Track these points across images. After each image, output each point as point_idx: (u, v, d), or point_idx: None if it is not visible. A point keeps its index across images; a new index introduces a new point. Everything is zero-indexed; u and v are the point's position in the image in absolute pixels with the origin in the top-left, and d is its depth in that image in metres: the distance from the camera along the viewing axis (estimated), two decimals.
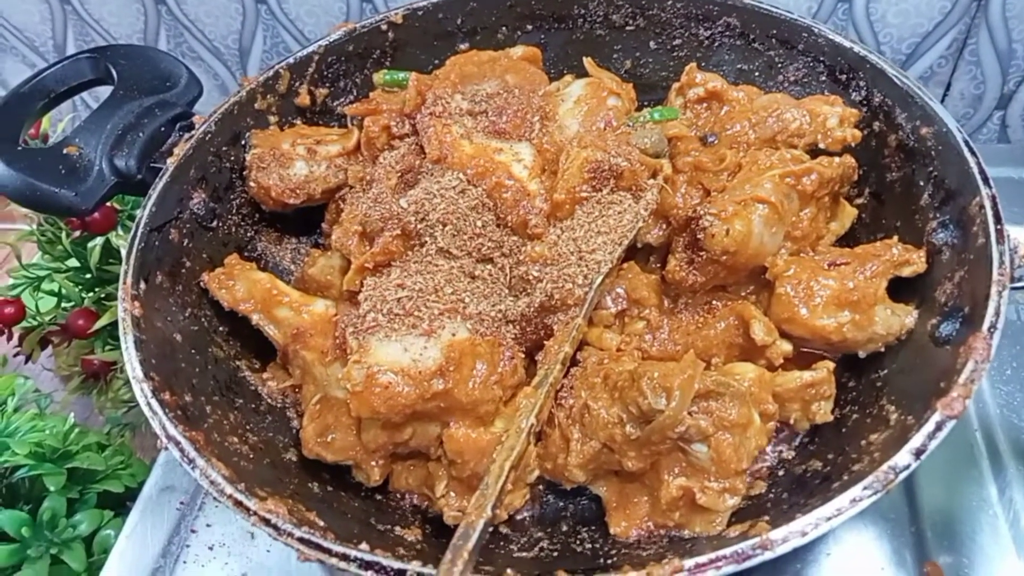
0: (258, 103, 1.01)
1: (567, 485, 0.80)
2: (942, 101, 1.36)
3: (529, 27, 1.11)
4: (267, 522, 0.64)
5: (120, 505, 1.11)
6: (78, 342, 1.28)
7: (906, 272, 0.82)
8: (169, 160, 0.91)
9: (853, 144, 0.91)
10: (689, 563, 0.60)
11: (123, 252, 0.92)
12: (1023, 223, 0.87)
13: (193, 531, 0.94)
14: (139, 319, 0.78)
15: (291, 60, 1.03)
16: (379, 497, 0.83)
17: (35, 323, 1.26)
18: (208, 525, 0.94)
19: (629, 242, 0.84)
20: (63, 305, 1.29)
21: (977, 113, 1.38)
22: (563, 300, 0.79)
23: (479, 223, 0.80)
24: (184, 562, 0.91)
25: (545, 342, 0.80)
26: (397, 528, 0.78)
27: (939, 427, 0.63)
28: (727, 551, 0.59)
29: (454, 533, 0.60)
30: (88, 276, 1.27)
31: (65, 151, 0.92)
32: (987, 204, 0.76)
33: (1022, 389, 0.99)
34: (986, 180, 0.78)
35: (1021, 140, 1.39)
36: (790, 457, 0.81)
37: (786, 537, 0.60)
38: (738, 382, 0.75)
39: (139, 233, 0.85)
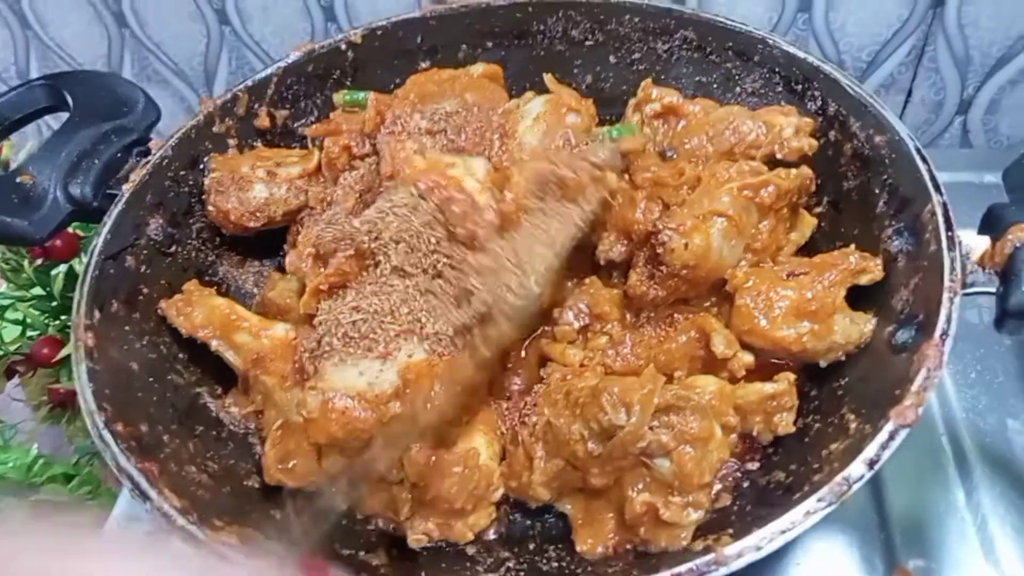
0: (216, 126, 1.00)
1: (533, 503, 0.79)
2: (904, 108, 1.38)
3: (489, 44, 1.11)
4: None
5: None
6: (43, 371, 1.26)
7: (864, 280, 0.82)
8: (124, 186, 0.90)
9: (810, 153, 0.91)
10: None
11: None
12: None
13: None
14: (92, 349, 0.77)
15: (249, 82, 1.02)
16: (343, 522, 0.82)
17: None
18: None
19: (567, 251, 0.82)
20: (28, 334, 1.27)
21: (939, 119, 1.39)
22: (500, 310, 0.78)
23: (432, 239, 0.79)
24: None
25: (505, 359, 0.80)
26: (362, 553, 0.77)
27: (892, 436, 0.63)
28: (682, 568, 0.59)
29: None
30: (53, 304, 1.25)
31: (18, 180, 0.90)
32: (939, 211, 0.77)
33: (987, 392, 0.99)
34: (937, 187, 0.78)
35: (982, 145, 1.41)
36: (754, 469, 0.81)
37: (740, 552, 0.59)
38: (699, 395, 0.75)
39: (93, 261, 0.84)
